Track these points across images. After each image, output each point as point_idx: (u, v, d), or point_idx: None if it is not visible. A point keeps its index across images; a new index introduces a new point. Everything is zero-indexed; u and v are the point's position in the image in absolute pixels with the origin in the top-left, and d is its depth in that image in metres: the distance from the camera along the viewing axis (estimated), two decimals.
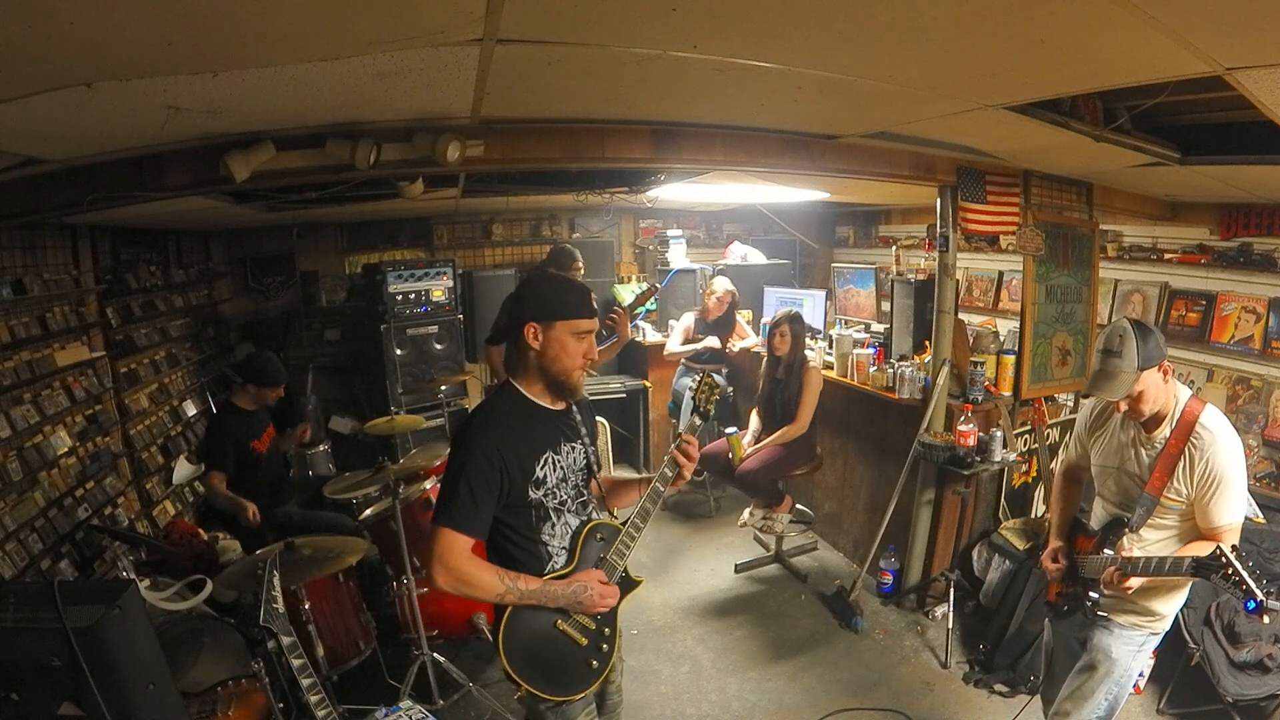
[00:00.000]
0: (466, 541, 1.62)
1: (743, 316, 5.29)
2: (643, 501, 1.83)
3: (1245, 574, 1.65)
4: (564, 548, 1.78)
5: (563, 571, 1.76)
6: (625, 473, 5.61)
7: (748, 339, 5.09)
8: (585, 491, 1.86)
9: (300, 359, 5.41)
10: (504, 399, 1.75)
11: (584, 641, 1.77)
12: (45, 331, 3.34)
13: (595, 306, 1.77)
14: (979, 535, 3.71)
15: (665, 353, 5.11)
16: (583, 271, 4.57)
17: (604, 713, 1.96)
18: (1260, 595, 1.64)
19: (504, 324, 1.77)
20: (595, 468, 1.89)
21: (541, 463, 1.71)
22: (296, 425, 4.03)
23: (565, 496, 1.78)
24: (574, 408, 1.84)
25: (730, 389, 5.16)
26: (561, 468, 1.76)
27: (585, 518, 1.84)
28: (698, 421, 1.87)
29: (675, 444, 1.81)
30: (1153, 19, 1.40)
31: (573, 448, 1.81)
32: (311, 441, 4.49)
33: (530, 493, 1.70)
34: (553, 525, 1.76)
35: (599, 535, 1.83)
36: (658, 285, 4.74)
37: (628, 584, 1.85)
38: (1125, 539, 2.04)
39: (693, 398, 1.89)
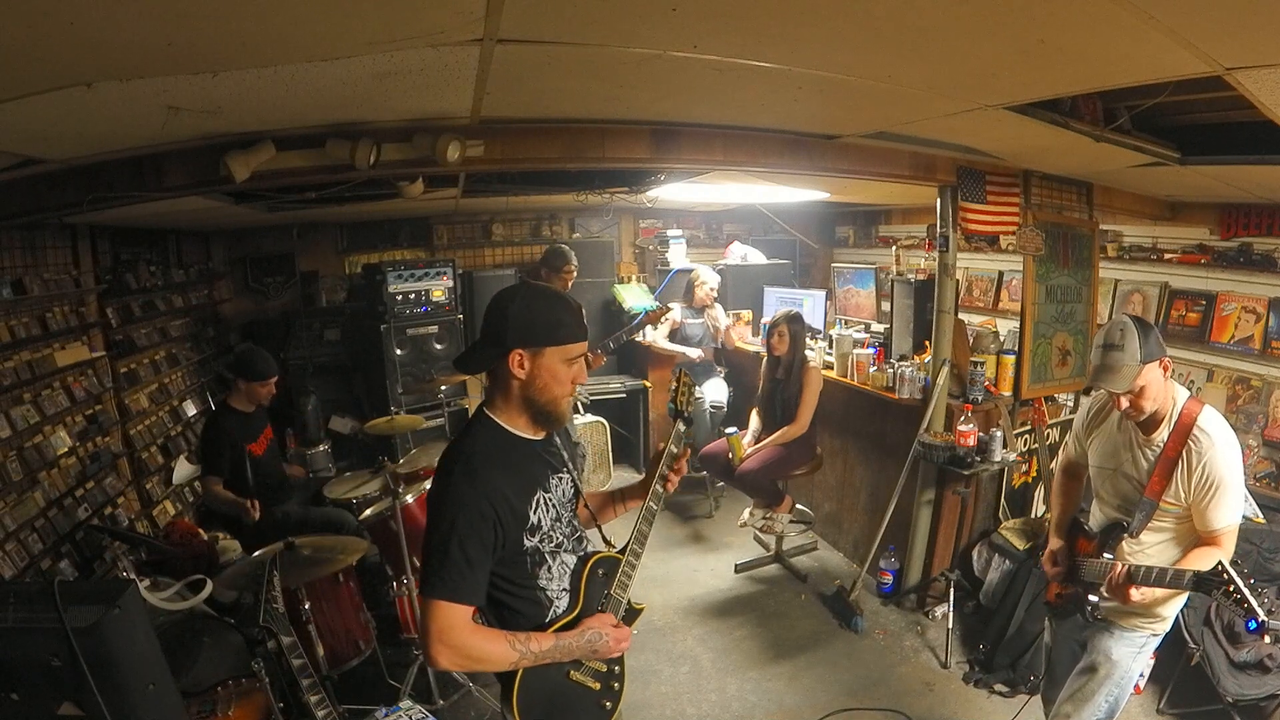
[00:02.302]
0: (466, 612, 1.44)
1: (743, 316, 5.31)
2: (637, 525, 1.71)
3: (1247, 592, 1.61)
4: (565, 589, 1.62)
5: (568, 618, 1.61)
6: (625, 473, 5.61)
7: (722, 324, 5.21)
8: (577, 525, 1.70)
9: (300, 359, 5.42)
10: (482, 437, 1.55)
11: (597, 686, 1.65)
12: (45, 331, 3.34)
13: (585, 324, 1.61)
14: (979, 535, 3.71)
15: (648, 341, 5.14)
16: (576, 274, 4.56)
17: None
18: (1262, 615, 1.61)
19: (479, 349, 1.55)
20: (581, 493, 1.75)
21: (534, 505, 1.54)
22: (297, 428, 4.02)
23: (560, 536, 1.61)
24: (552, 433, 1.67)
25: (730, 389, 5.17)
26: (554, 506, 1.60)
27: (583, 554, 1.69)
28: (682, 428, 1.76)
29: (663, 460, 1.72)
30: (1153, 19, 1.40)
31: (560, 479, 1.65)
32: (310, 441, 4.50)
33: (525, 541, 1.53)
34: (549, 569, 1.59)
35: (600, 570, 1.68)
36: (669, 307, 4.79)
37: (632, 615, 1.73)
38: (1125, 543, 2.04)
39: (672, 401, 1.78)
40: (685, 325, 5.13)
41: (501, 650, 1.48)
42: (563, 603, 1.62)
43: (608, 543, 1.80)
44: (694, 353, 5.02)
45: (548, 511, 1.58)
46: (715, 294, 5.17)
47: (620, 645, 1.64)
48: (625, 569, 1.68)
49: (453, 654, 1.43)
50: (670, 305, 4.82)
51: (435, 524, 1.46)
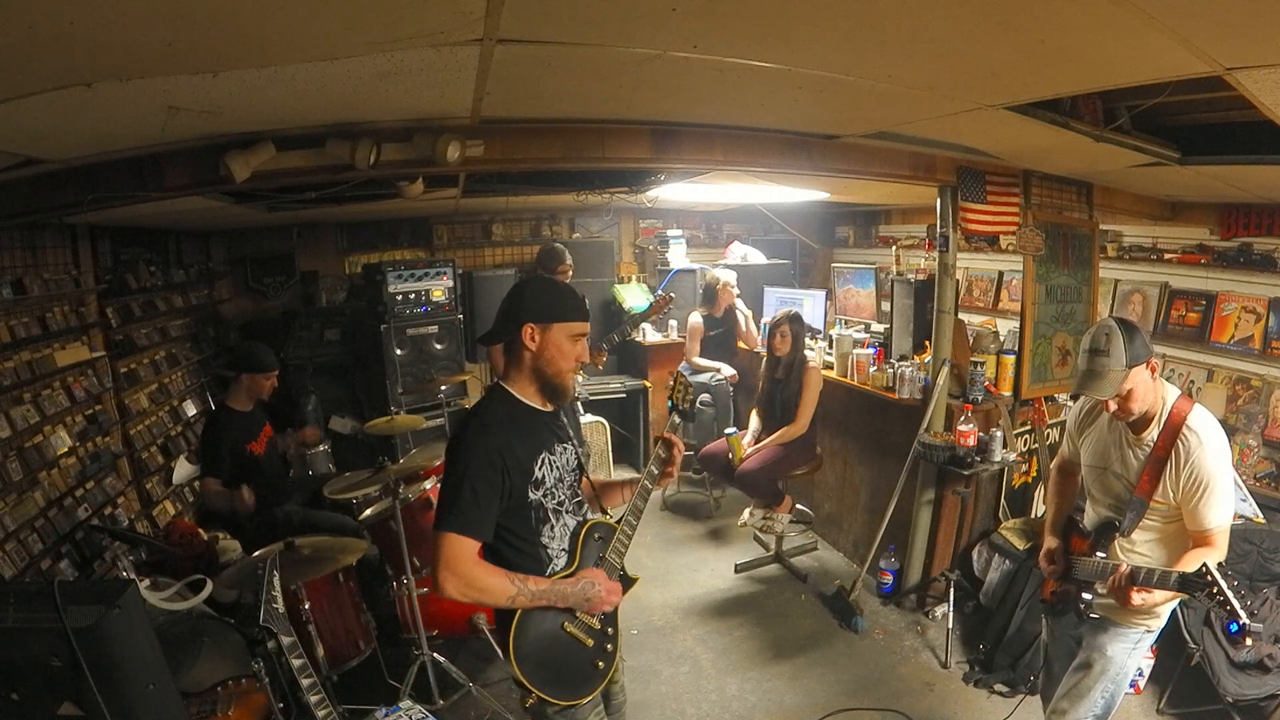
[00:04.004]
0: (473, 545, 1.62)
1: (746, 314, 5.29)
2: (634, 499, 1.87)
3: (1230, 594, 1.62)
4: (564, 549, 1.80)
5: (566, 572, 1.78)
6: (625, 473, 5.61)
7: (756, 341, 5.13)
8: (579, 492, 1.88)
9: (300, 359, 5.41)
10: (496, 402, 1.76)
11: (590, 642, 1.79)
12: (45, 331, 3.34)
13: (588, 310, 1.82)
14: (979, 535, 3.71)
15: (691, 361, 5.06)
16: (571, 273, 4.57)
17: (610, 712, 1.97)
18: (1244, 618, 1.61)
19: (500, 324, 1.77)
20: (584, 468, 1.92)
21: (539, 463, 1.73)
22: (297, 426, 4.02)
23: (563, 497, 1.80)
24: (559, 409, 1.86)
25: (730, 389, 5.16)
26: (557, 468, 1.78)
27: (582, 518, 1.86)
28: (677, 420, 1.90)
29: (658, 444, 1.87)
30: (1153, 19, 1.40)
31: (564, 448, 1.83)
32: (311, 442, 4.48)
33: (530, 494, 1.71)
34: (551, 527, 1.77)
35: (596, 534, 1.85)
36: (671, 296, 4.74)
37: (626, 581, 1.88)
38: (1117, 542, 2.04)
39: (669, 398, 1.92)
40: (707, 336, 5.07)
41: (501, 584, 1.64)
42: (561, 560, 1.79)
43: (605, 513, 1.96)
44: (728, 370, 4.99)
45: (551, 471, 1.77)
46: (736, 291, 5.12)
47: (611, 598, 1.80)
48: (620, 536, 1.86)
49: (458, 581, 1.59)
50: (671, 297, 4.80)
51: (450, 470, 1.65)
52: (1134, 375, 1.87)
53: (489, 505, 1.63)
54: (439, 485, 1.68)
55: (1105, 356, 1.87)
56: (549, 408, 1.81)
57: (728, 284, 5.04)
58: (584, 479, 1.93)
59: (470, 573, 1.60)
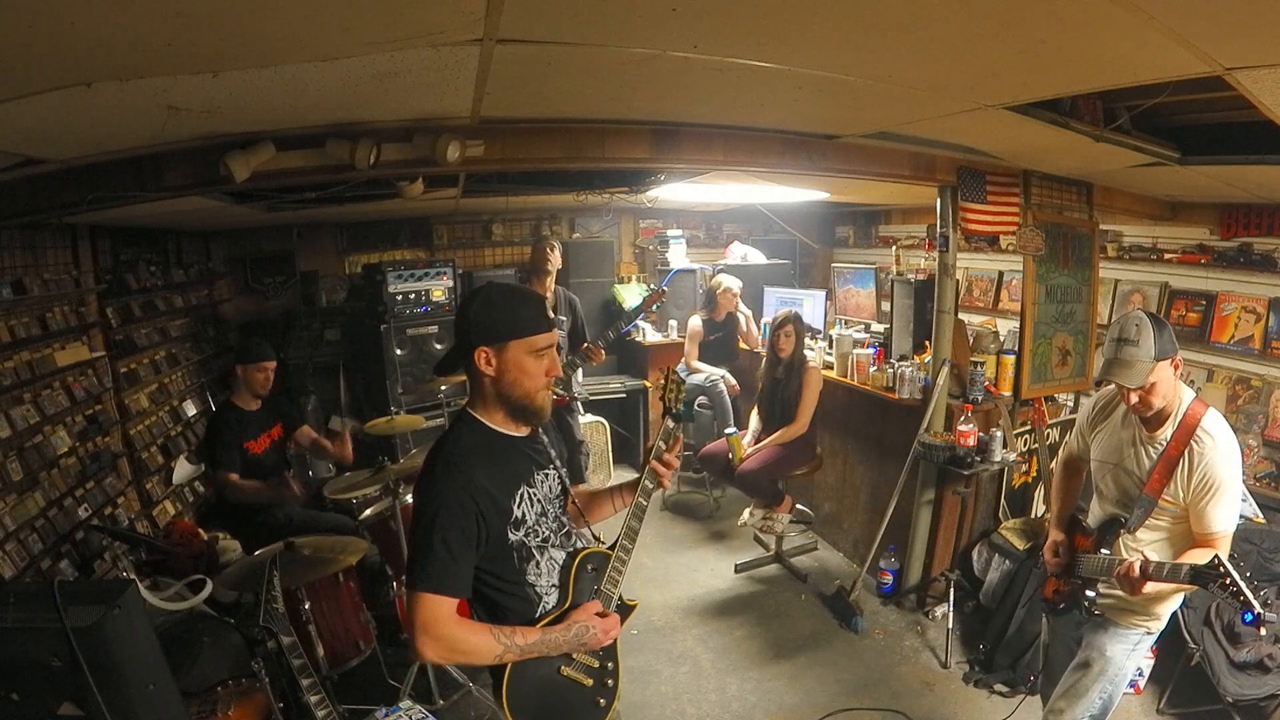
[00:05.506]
0: (450, 604, 1.46)
1: (746, 314, 5.28)
2: (627, 521, 1.72)
3: (1243, 584, 1.62)
4: (554, 585, 1.64)
5: (557, 613, 1.62)
6: (625, 473, 5.61)
7: (757, 341, 5.10)
8: (566, 520, 1.71)
9: (300, 359, 5.41)
10: (464, 434, 1.57)
11: (589, 682, 1.66)
12: (45, 331, 3.34)
13: (552, 317, 1.62)
14: (979, 535, 3.71)
15: (689, 364, 5.01)
16: (556, 252, 4.52)
17: None
18: (1258, 607, 1.61)
19: (452, 351, 1.59)
20: (569, 490, 1.76)
21: (517, 500, 1.56)
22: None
23: (547, 531, 1.63)
24: (539, 429, 1.69)
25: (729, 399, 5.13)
26: (538, 501, 1.61)
27: (571, 549, 1.69)
28: (670, 424, 1.75)
29: (652, 454, 1.71)
30: (1153, 19, 1.40)
31: (545, 475, 1.66)
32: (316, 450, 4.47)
33: (510, 535, 1.54)
34: (537, 564, 1.60)
35: (590, 565, 1.69)
36: (664, 290, 4.69)
37: (624, 611, 1.74)
38: (1121, 540, 2.04)
39: (660, 398, 1.77)
40: (707, 340, 5.02)
41: (486, 642, 1.49)
42: (552, 598, 1.63)
43: (597, 539, 1.80)
44: (730, 380, 4.91)
45: (532, 506, 1.59)
46: (739, 298, 5.08)
47: (609, 635, 1.63)
48: (615, 564, 1.70)
49: (438, 645, 1.45)
50: (664, 290, 4.77)
51: (418, 519, 1.48)
52: (1160, 369, 1.87)
53: (464, 557, 1.47)
54: (408, 533, 1.50)
55: (1134, 347, 1.87)
56: (524, 431, 1.62)
57: (729, 289, 4.97)
58: (569, 501, 1.76)
59: (451, 635, 1.44)
